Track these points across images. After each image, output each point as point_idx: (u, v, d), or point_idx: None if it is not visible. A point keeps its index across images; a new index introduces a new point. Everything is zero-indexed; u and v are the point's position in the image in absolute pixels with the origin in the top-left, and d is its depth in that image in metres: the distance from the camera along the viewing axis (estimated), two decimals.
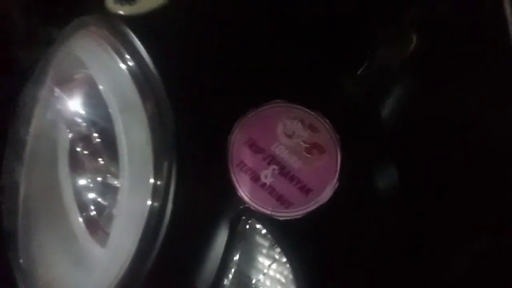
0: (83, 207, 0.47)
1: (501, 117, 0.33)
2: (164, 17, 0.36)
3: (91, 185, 0.48)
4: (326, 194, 0.31)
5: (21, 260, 0.45)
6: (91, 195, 0.47)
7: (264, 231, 0.33)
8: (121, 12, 0.37)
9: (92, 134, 0.39)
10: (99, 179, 0.45)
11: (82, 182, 0.48)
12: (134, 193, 0.33)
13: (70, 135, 0.45)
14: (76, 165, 0.48)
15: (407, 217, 0.33)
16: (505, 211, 0.34)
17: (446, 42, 0.36)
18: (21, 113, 0.47)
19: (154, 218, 0.33)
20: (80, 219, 0.47)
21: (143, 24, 0.36)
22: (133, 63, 0.35)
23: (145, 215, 0.33)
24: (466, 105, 0.35)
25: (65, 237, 0.47)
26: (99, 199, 0.47)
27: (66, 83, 0.42)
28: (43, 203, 0.47)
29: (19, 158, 0.46)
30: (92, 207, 0.47)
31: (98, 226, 0.47)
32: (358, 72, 0.36)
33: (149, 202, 0.33)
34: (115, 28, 0.37)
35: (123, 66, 0.35)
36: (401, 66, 0.37)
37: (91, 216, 0.47)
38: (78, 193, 0.48)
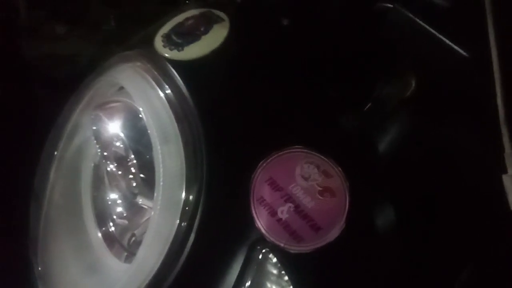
0: (102, 221, 0.51)
1: (487, 154, 0.36)
2: (204, 66, 0.41)
3: (110, 202, 0.52)
4: (333, 233, 0.35)
5: (39, 267, 0.48)
6: (112, 211, 0.51)
7: (275, 260, 0.36)
8: (167, 56, 0.42)
9: (130, 156, 0.42)
10: (123, 197, 0.48)
11: (104, 198, 0.51)
12: (165, 214, 0.37)
13: (100, 154, 0.49)
14: (100, 182, 0.52)
15: (405, 254, 0.37)
16: (495, 239, 0.37)
17: (439, 86, 0.40)
18: (57, 130, 0.51)
19: (179, 238, 0.37)
20: (99, 232, 0.50)
21: (186, 68, 0.41)
22: (174, 99, 0.40)
23: (172, 235, 0.37)
24: (456, 142, 0.39)
25: (81, 247, 0.50)
26: (118, 215, 0.51)
27: (105, 108, 0.46)
28: (63, 213, 0.51)
29: (50, 168, 0.50)
30: (111, 223, 0.51)
31: (115, 239, 0.50)
32: (364, 109, 0.41)
33: (177, 223, 0.37)
34: (160, 66, 0.42)
35: (165, 101, 0.40)
36: (400, 106, 0.41)
37: (110, 230, 0.51)
38: (98, 207, 0.51)
